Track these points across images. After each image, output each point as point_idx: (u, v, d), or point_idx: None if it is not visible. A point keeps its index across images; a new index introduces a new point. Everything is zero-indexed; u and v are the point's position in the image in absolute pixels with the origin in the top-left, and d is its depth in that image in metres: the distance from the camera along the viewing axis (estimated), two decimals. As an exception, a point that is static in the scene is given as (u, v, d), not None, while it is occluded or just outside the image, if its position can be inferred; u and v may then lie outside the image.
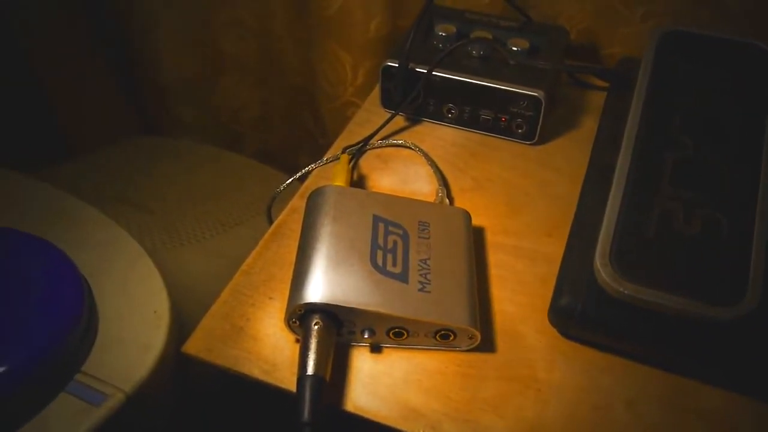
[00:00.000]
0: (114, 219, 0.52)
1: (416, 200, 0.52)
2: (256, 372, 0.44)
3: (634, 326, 0.43)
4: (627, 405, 0.43)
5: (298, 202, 0.55)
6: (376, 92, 0.65)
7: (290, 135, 1.00)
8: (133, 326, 0.43)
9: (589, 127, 0.63)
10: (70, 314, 0.40)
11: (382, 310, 0.43)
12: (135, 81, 0.99)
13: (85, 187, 0.70)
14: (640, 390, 0.44)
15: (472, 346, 0.45)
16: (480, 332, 0.44)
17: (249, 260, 0.51)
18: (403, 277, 0.45)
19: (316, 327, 0.42)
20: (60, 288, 0.42)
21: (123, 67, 0.98)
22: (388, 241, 0.47)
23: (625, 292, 0.41)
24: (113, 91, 0.99)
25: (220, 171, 0.86)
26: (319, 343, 0.42)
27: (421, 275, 0.45)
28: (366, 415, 0.42)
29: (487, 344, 0.46)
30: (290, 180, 0.58)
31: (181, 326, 0.48)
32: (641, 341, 0.43)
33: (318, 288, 0.43)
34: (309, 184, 0.58)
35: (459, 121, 0.63)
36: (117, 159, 0.79)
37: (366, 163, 0.60)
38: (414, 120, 0.64)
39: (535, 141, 0.61)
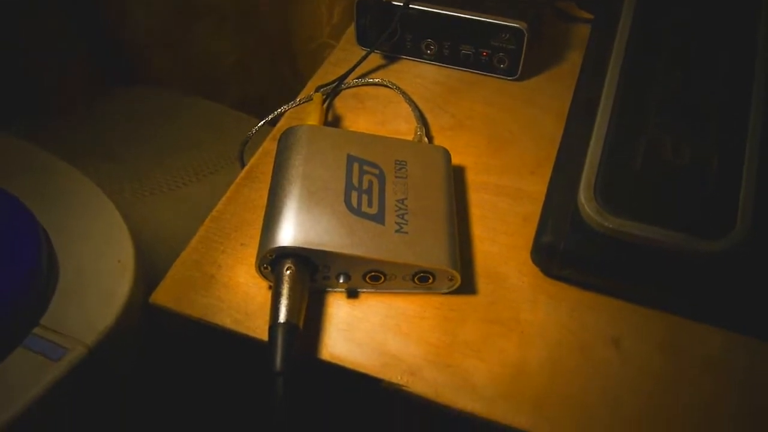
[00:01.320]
0: (81, 169, 0.49)
1: (393, 138, 0.50)
2: (227, 321, 0.42)
3: (620, 262, 0.41)
4: (614, 344, 0.42)
5: (270, 145, 0.53)
6: (353, 30, 0.62)
7: (270, 82, 0.97)
8: (96, 277, 0.40)
9: (573, 61, 0.61)
10: (26, 266, 0.38)
11: (357, 252, 0.41)
12: (105, 31, 0.95)
13: (53, 139, 0.67)
14: (627, 328, 0.43)
15: (452, 289, 0.44)
16: (460, 274, 0.43)
17: (219, 205, 0.49)
18: (379, 218, 0.43)
19: (288, 272, 0.40)
20: (15, 238, 0.39)
21: (92, 17, 0.94)
22: (363, 181, 0.45)
23: (610, 226, 0.39)
24: (83, 44, 0.95)
25: (197, 120, 0.83)
26: (291, 289, 0.40)
27: (398, 216, 0.43)
28: (342, 363, 0.41)
29: (467, 286, 0.44)
30: (262, 123, 0.56)
31: (152, 276, 0.46)
32: (628, 278, 0.42)
33: (289, 231, 0.41)
34: (281, 126, 0.55)
35: (439, 58, 0.60)
36: (88, 111, 0.76)
37: (341, 103, 0.57)
38: (392, 58, 0.62)
39: (517, 76, 0.59)
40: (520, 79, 0.59)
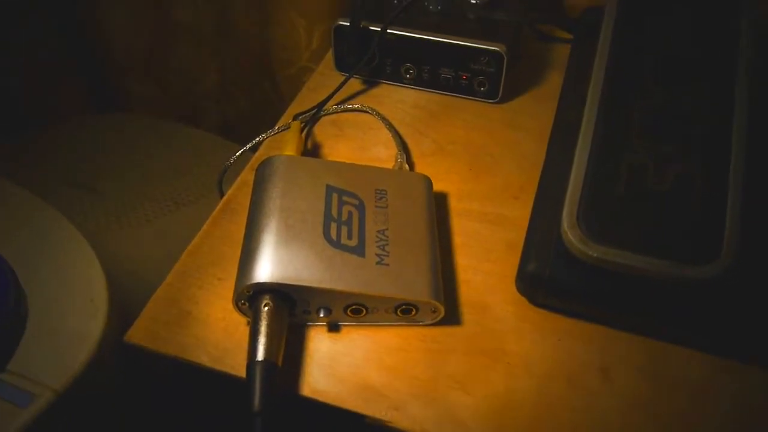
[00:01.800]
0: (56, 202, 0.48)
1: (373, 167, 0.49)
2: (204, 359, 0.41)
3: (606, 291, 0.40)
4: (602, 373, 0.41)
5: (248, 175, 0.52)
6: (331, 55, 0.61)
7: (250, 106, 0.96)
8: (67, 317, 0.39)
9: (554, 82, 0.60)
10: (-7, 308, 0.37)
11: (336, 287, 0.40)
12: (83, 54, 0.94)
13: (26, 168, 0.66)
14: (615, 358, 0.42)
15: (435, 320, 0.43)
16: (444, 305, 0.42)
17: (196, 240, 0.48)
18: (359, 251, 0.42)
19: (265, 309, 0.39)
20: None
21: (70, 39, 0.93)
22: (342, 212, 0.44)
23: (594, 254, 0.38)
24: (60, 66, 0.94)
25: (176, 146, 0.82)
26: (269, 326, 0.39)
27: (378, 247, 0.42)
28: (324, 399, 0.40)
29: (452, 317, 0.43)
30: (240, 151, 0.55)
31: (129, 313, 0.45)
32: (614, 306, 0.41)
33: (266, 267, 0.40)
34: (260, 155, 0.54)
35: (418, 82, 0.59)
36: (64, 138, 0.75)
37: (320, 130, 0.56)
38: (371, 83, 0.61)
39: (498, 99, 0.58)
40: (501, 101, 0.59)
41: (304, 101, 0.59)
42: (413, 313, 0.42)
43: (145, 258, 0.59)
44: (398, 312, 0.42)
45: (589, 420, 0.39)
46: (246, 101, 0.96)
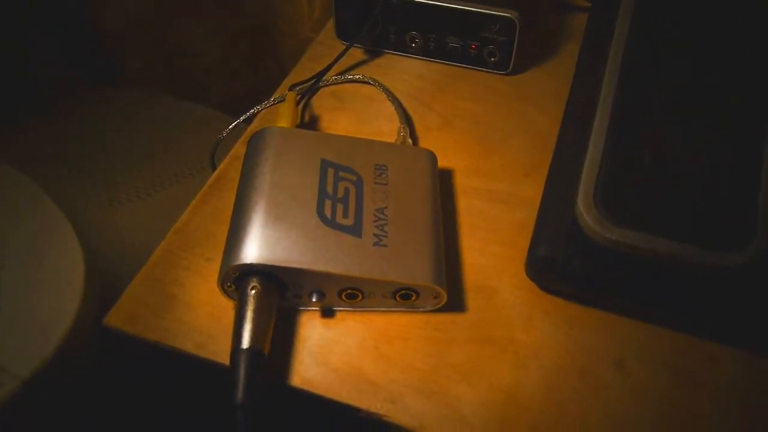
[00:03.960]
0: (39, 177, 0.45)
1: (372, 141, 0.45)
2: (188, 345, 0.38)
3: (624, 277, 0.37)
4: (616, 366, 0.38)
5: (240, 149, 0.49)
6: (332, 24, 0.58)
7: (254, 80, 0.93)
8: (41, 302, 0.36)
9: (570, 53, 0.57)
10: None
11: (330, 269, 0.37)
12: (80, 27, 0.91)
13: (9, 141, 0.63)
14: (631, 350, 0.38)
15: (437, 307, 0.40)
16: (446, 290, 0.39)
17: (184, 216, 0.45)
18: (355, 230, 0.39)
19: (252, 292, 0.36)
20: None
21: (66, 12, 0.89)
22: (338, 189, 0.40)
23: (612, 237, 0.35)
24: (57, 40, 0.91)
25: (172, 121, 0.79)
26: (256, 311, 0.36)
27: (376, 227, 0.39)
28: (315, 390, 0.37)
29: (455, 303, 0.40)
30: (234, 124, 0.51)
31: (112, 295, 0.42)
32: (632, 294, 0.38)
33: (254, 247, 0.37)
34: (255, 128, 0.51)
35: (424, 52, 0.56)
36: (53, 111, 0.72)
37: (319, 102, 0.53)
38: (374, 52, 0.57)
39: (509, 70, 0.55)
40: (512, 73, 0.55)
41: (302, 72, 0.55)
42: (413, 298, 0.39)
43: (136, 237, 0.56)
44: (397, 297, 0.39)
45: (601, 416, 0.36)
46: (248, 75, 0.93)
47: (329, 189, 0.40)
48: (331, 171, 0.41)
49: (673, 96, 0.40)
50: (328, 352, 0.38)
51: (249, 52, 0.90)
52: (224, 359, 0.37)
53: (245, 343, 0.35)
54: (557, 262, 0.38)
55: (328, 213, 0.39)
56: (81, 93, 0.81)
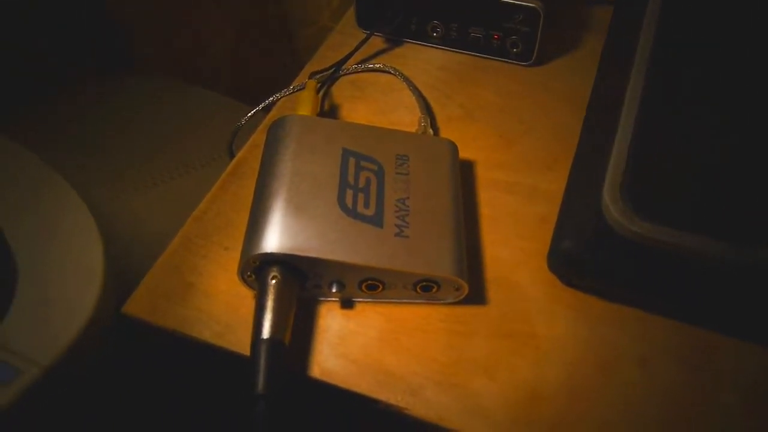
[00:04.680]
0: (55, 161, 0.45)
1: (394, 130, 0.45)
2: (206, 334, 0.38)
3: (649, 272, 0.36)
4: (639, 363, 0.37)
5: (259, 137, 0.48)
6: (352, 13, 0.57)
7: (268, 69, 0.92)
8: (59, 287, 0.36)
9: (594, 44, 0.56)
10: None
11: (351, 260, 0.36)
12: (94, 14, 0.91)
13: (25, 126, 0.62)
14: (656, 347, 0.38)
15: (458, 299, 0.39)
16: (468, 282, 0.38)
17: (202, 204, 0.44)
18: (376, 221, 0.38)
19: (273, 282, 0.36)
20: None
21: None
22: (359, 179, 0.40)
23: (639, 231, 0.34)
24: (70, 27, 0.90)
25: (187, 108, 0.78)
26: (276, 301, 0.35)
27: (398, 217, 0.39)
28: (334, 382, 0.36)
29: (476, 296, 0.40)
30: (253, 111, 0.51)
31: (129, 283, 0.42)
32: (659, 290, 0.37)
33: (275, 236, 0.36)
34: (274, 116, 0.50)
35: (446, 41, 0.55)
36: (68, 97, 0.71)
37: (339, 91, 0.53)
38: (395, 42, 0.57)
39: (532, 61, 0.54)
40: (536, 64, 0.54)
41: (322, 60, 0.55)
42: (434, 290, 0.38)
43: (151, 224, 0.56)
44: (418, 289, 0.38)
45: (623, 414, 0.35)
46: (262, 64, 0.92)
47: (350, 178, 0.40)
48: (352, 160, 0.41)
49: (704, 88, 0.40)
50: (347, 343, 0.38)
51: (263, 40, 0.89)
52: (242, 349, 0.37)
53: (266, 333, 0.34)
54: (581, 256, 0.37)
55: (349, 203, 0.38)
56: (96, 80, 0.81)
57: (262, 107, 0.51)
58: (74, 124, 0.66)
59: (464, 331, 0.38)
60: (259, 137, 0.48)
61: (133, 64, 0.93)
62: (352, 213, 0.38)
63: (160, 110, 0.73)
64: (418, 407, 0.35)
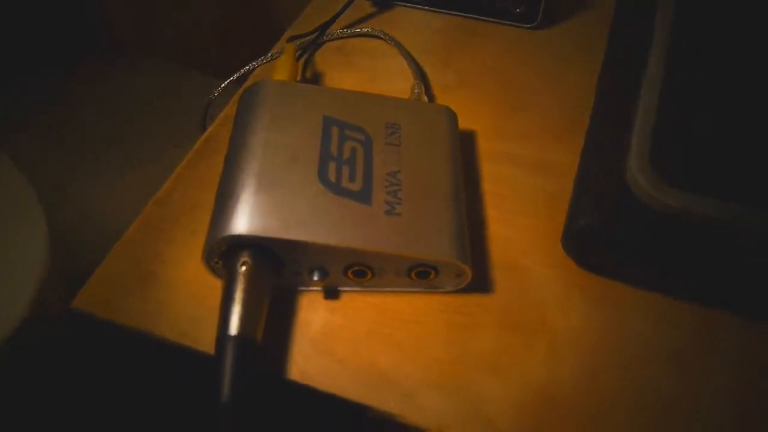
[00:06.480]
0: (12, 147, 0.40)
1: (383, 96, 0.40)
2: (167, 332, 0.33)
3: (685, 250, 0.31)
4: (671, 358, 0.32)
5: (232, 109, 0.43)
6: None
7: (252, 46, 0.88)
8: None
9: (602, 4, 0.51)
10: None
11: (334, 242, 0.31)
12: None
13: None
14: (688, 338, 0.33)
15: (460, 286, 0.34)
16: (470, 267, 0.33)
17: (167, 184, 0.39)
18: (364, 197, 0.33)
19: (243, 269, 0.31)
20: None
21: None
22: (343, 150, 0.35)
23: (672, 203, 0.29)
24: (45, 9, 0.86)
25: (167, 91, 0.73)
26: (246, 292, 0.30)
27: (388, 193, 0.33)
28: (316, 385, 0.31)
29: (479, 282, 0.35)
30: (226, 82, 0.46)
31: (84, 276, 0.37)
32: (693, 272, 0.32)
33: (245, 216, 0.31)
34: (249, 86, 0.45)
35: (441, 3, 0.50)
36: (39, 80, 0.67)
37: (323, 57, 0.47)
38: (385, 3, 0.52)
39: (537, 23, 0.49)
40: (540, 26, 0.50)
41: (304, 25, 0.50)
42: (432, 276, 0.33)
43: (119, 211, 0.51)
44: (412, 275, 0.33)
45: (652, 418, 0.30)
46: (246, 41, 0.87)
47: (333, 149, 0.35)
48: (335, 129, 0.36)
49: (741, 45, 0.35)
50: (332, 339, 0.33)
51: (245, 14, 0.85)
52: (209, 348, 0.32)
53: (233, 329, 0.29)
54: (603, 233, 0.32)
55: (332, 177, 0.33)
56: (66, 62, 0.76)
57: (237, 77, 0.46)
58: (44, 108, 0.61)
59: (467, 324, 0.34)
60: (231, 109, 0.43)
61: (109, 44, 0.89)
62: (335, 188, 0.33)
63: (133, 93, 0.69)
64: (413, 414, 0.31)
